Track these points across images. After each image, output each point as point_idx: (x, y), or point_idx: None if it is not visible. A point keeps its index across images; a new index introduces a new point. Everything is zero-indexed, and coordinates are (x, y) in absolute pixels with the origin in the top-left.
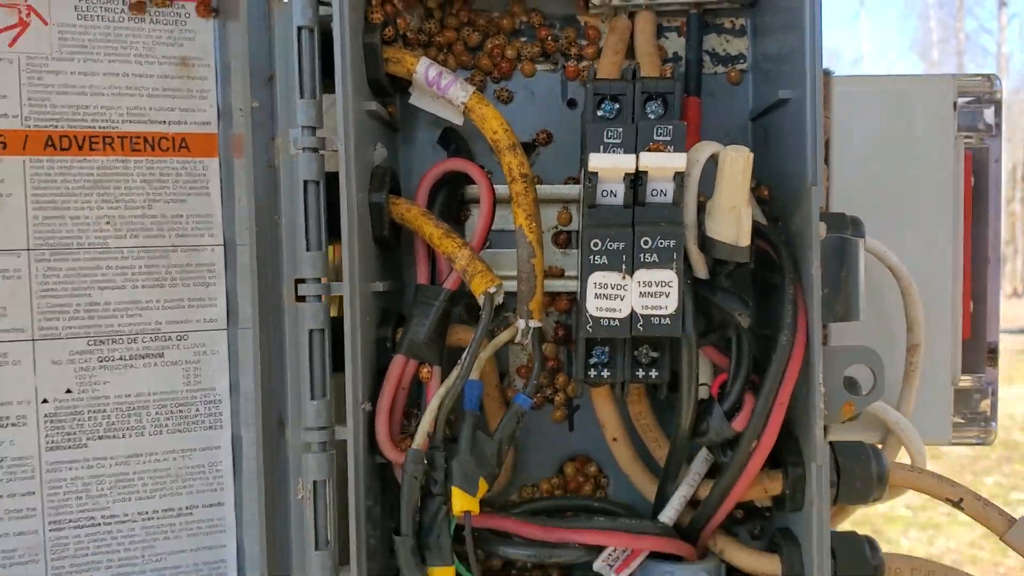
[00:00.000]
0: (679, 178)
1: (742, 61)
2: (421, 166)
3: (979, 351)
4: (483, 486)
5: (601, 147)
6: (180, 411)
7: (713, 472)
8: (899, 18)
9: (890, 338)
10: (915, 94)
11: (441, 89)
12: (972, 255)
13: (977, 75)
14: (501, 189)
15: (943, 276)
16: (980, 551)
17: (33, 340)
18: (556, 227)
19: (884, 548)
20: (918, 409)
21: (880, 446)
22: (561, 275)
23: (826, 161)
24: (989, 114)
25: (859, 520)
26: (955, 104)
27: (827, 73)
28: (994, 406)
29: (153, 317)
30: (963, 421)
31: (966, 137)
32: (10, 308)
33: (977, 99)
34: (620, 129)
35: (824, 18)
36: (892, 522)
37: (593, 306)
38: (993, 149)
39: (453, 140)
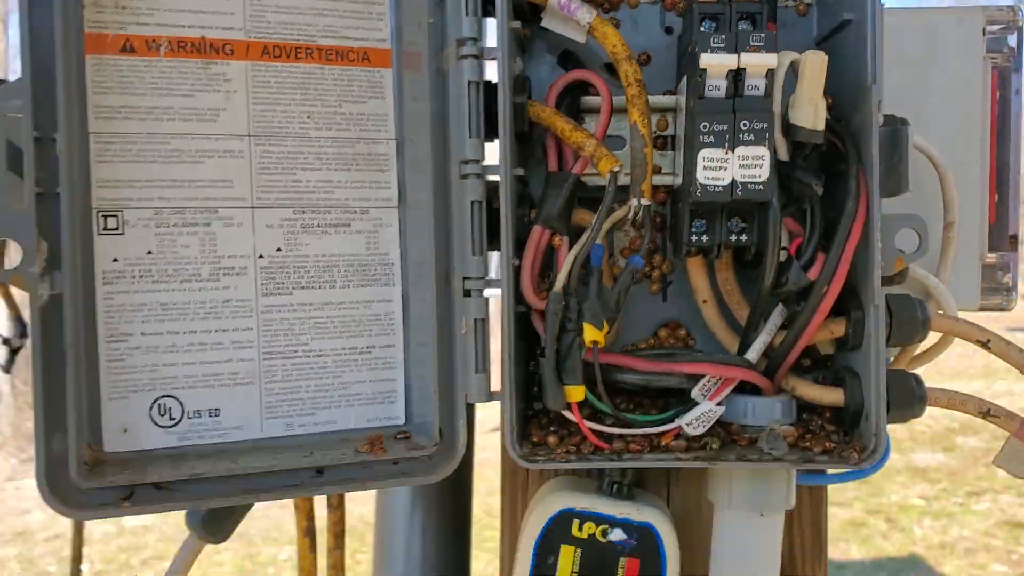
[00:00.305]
0: (770, 75)
1: None
2: (539, 81)
3: (1002, 234)
4: (606, 326)
5: (709, 49)
6: (362, 270)
7: (786, 327)
8: None
9: (929, 220)
10: (951, 22)
11: (570, 12)
12: (996, 153)
13: (1003, 7)
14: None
15: (972, 169)
16: (993, 539)
17: (252, 208)
18: (655, 132)
19: (897, 537)
20: (952, 279)
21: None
22: (659, 172)
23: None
24: (1013, 39)
25: (873, 509)
26: (984, 30)
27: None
28: (1014, 280)
29: (342, 195)
30: (991, 292)
31: (992, 57)
32: (235, 181)
33: (1004, 26)
34: (723, 36)
35: None
36: (906, 511)
37: (702, 176)
38: (1015, 80)
39: (570, 60)
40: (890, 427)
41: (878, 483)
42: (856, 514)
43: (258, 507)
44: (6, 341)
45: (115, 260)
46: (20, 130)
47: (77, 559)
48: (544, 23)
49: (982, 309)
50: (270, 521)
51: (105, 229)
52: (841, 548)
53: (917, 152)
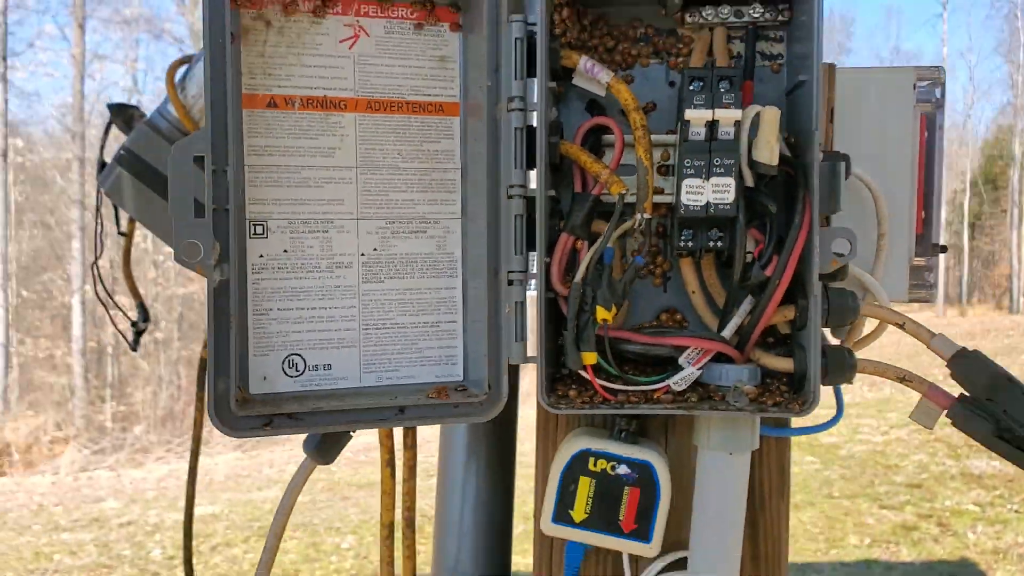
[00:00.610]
0: (737, 125)
1: (780, 58)
2: (571, 121)
3: (928, 242)
4: (613, 309)
5: (692, 106)
6: (434, 265)
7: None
8: (984, 20)
9: (870, 233)
10: (891, 79)
11: (594, 74)
12: (924, 180)
13: (931, 67)
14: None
15: (905, 192)
16: None
17: (357, 219)
18: (659, 162)
19: (949, 542)
20: (886, 278)
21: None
22: (661, 192)
23: (832, 120)
24: (938, 92)
25: (926, 513)
26: (915, 85)
27: (832, 65)
28: (935, 278)
29: (421, 209)
30: (918, 287)
31: (921, 106)
32: (345, 200)
33: (931, 82)
34: (704, 96)
35: (904, 20)
36: (959, 516)
37: (685, 198)
38: (939, 117)
39: (595, 107)
40: (946, 433)
41: (931, 488)
42: (908, 518)
43: (322, 499)
44: (134, 324)
45: (261, 256)
46: (204, 165)
47: (189, 518)
48: (574, 81)
49: (911, 300)
50: (333, 512)
51: (254, 234)
52: (891, 550)
53: (859, 181)
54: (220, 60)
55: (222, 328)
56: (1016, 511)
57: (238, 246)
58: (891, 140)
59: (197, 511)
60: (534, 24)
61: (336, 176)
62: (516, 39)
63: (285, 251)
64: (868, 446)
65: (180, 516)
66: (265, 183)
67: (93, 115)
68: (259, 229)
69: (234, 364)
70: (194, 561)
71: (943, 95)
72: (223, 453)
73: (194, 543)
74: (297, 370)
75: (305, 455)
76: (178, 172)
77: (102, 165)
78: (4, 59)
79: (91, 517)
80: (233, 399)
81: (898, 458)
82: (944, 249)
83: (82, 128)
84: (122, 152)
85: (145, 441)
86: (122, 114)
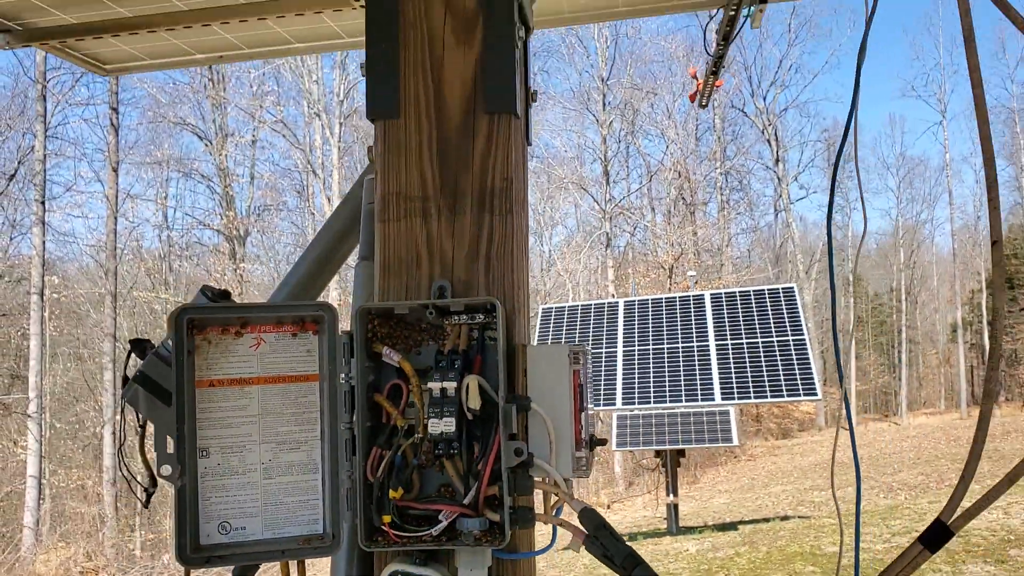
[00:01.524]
0: (456, 391)
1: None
2: (386, 380)
3: (582, 442)
4: (400, 490)
5: (432, 380)
6: (305, 467)
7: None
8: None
9: (547, 440)
10: (555, 351)
11: (391, 358)
12: (579, 407)
13: (578, 345)
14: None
15: (566, 415)
16: None
17: (260, 443)
18: None
19: None
20: (558, 464)
21: (544, 478)
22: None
23: (525, 375)
24: (582, 359)
25: None
26: (569, 355)
27: (524, 345)
28: (590, 462)
29: (298, 435)
30: (579, 468)
31: (574, 367)
32: (252, 433)
33: (577, 353)
34: (439, 373)
35: (907, 127)
36: None
37: (430, 428)
38: (583, 372)
39: (400, 372)
40: None
41: None
42: None
43: None
44: (146, 489)
45: (205, 468)
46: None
47: None
48: (383, 359)
49: (575, 477)
50: None
51: (202, 456)
52: None
53: (537, 412)
54: (181, 366)
55: (183, 511)
56: None
57: (192, 464)
58: (557, 387)
59: None
60: (351, 332)
61: (247, 420)
62: (343, 343)
63: (218, 464)
64: (869, 554)
65: None
66: (207, 427)
67: (126, 251)
68: (204, 453)
69: (189, 529)
70: None
71: (587, 362)
72: None
73: None
74: (226, 531)
75: None
76: (159, 432)
77: (124, 380)
78: (43, 203)
79: None
80: (189, 548)
81: None
82: (603, 442)
83: (115, 265)
84: (138, 373)
85: (174, 568)
86: (139, 346)
